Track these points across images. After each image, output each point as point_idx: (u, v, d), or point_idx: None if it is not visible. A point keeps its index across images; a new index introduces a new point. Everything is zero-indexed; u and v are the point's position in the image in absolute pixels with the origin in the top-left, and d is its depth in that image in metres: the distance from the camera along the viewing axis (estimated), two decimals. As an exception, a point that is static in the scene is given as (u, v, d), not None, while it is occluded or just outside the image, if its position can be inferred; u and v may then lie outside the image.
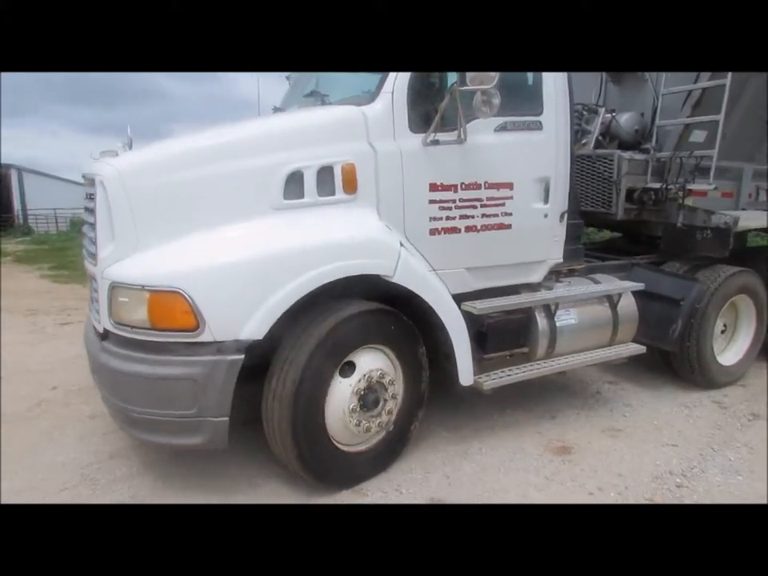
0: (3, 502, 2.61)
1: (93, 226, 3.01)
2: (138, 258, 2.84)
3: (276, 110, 4.25)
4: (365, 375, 3.16)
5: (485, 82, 2.90)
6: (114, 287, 2.85)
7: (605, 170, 4.84)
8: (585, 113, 5.24)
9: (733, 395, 4.81)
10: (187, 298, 2.71)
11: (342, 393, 3.10)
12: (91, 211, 3.05)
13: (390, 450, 3.45)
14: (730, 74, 4.22)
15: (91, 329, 3.33)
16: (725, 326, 5.09)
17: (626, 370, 5.11)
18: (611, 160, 4.79)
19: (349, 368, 3.14)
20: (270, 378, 3.03)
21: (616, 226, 6.07)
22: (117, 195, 2.83)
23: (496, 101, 3.04)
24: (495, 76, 2.88)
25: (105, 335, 3.05)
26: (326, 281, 2.93)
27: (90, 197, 3.09)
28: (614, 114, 5.16)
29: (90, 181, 3.09)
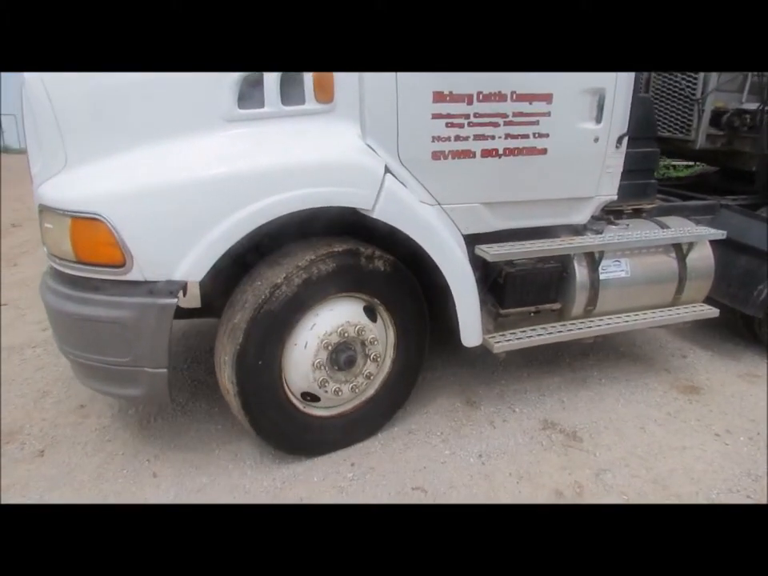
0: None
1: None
2: (65, 177, 2.38)
3: None
4: (333, 331, 2.63)
5: None
6: (41, 210, 2.44)
7: (687, 86, 3.83)
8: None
9: None
10: (110, 226, 2.23)
11: (304, 352, 2.59)
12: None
13: (371, 417, 2.95)
14: None
15: None
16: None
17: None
18: (696, 72, 3.77)
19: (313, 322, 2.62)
20: (219, 328, 2.57)
21: (701, 157, 4.98)
22: (38, 99, 2.34)
23: None
24: None
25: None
26: (281, 213, 2.35)
27: None
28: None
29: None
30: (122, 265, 2.29)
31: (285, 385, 2.62)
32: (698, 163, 5.89)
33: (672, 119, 3.98)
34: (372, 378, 2.83)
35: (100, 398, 3.29)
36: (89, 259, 2.34)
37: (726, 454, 2.95)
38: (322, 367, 2.62)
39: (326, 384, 2.66)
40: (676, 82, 3.91)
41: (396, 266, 2.72)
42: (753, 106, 3.76)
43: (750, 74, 3.79)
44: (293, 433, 2.70)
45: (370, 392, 2.88)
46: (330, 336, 2.61)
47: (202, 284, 2.56)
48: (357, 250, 2.61)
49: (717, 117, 3.84)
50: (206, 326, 3.97)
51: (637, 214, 3.68)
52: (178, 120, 2.39)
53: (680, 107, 3.93)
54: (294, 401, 2.67)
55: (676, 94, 3.93)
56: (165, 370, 2.42)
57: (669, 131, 4.00)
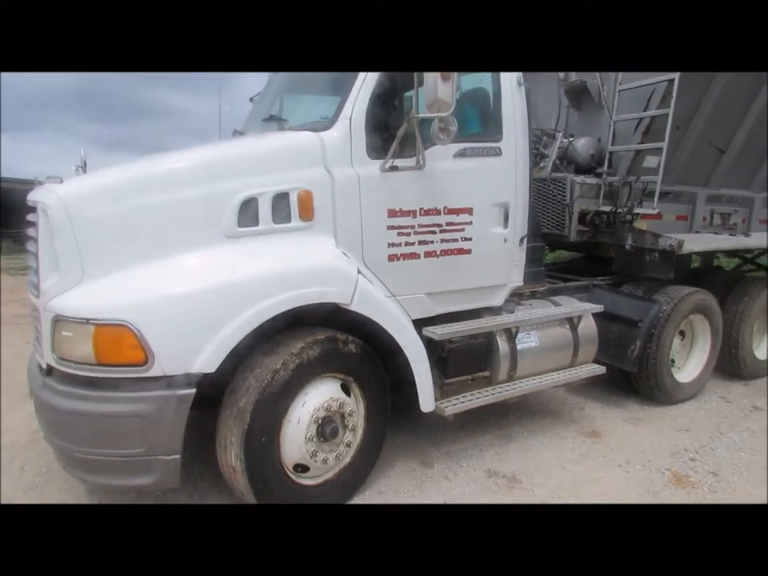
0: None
1: (35, 255, 2.87)
2: (84, 290, 2.70)
3: (236, 133, 4.17)
4: (321, 406, 3.07)
5: (442, 110, 2.88)
6: (58, 320, 2.71)
7: (558, 194, 4.93)
8: (543, 137, 5.33)
9: (736, 392, 5.52)
10: (135, 331, 2.59)
11: (297, 427, 3.00)
12: (33, 240, 2.90)
13: (350, 481, 3.36)
14: (673, 102, 4.34)
15: (35, 364, 3.16)
16: (681, 344, 5.19)
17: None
18: (564, 184, 4.89)
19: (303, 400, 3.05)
20: (222, 412, 2.92)
21: (574, 248, 6.17)
22: (60, 225, 2.69)
23: (453, 128, 3.02)
24: (452, 104, 2.86)
25: (48, 371, 2.89)
26: (280, 311, 2.85)
27: (31, 224, 2.94)
28: (570, 140, 5.26)
29: (32, 208, 2.94)
30: (144, 363, 2.62)
31: (281, 458, 2.99)
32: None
33: (551, 219, 5.03)
34: (350, 445, 3.28)
35: (69, 500, 3.35)
36: (111, 361, 2.64)
37: (629, 478, 3.77)
38: (313, 439, 3.04)
39: (317, 454, 3.07)
40: (550, 190, 4.99)
41: (364, 348, 3.26)
42: (608, 208, 4.90)
43: (602, 183, 4.95)
44: (289, 502, 3.03)
45: (348, 459, 3.31)
46: (318, 411, 3.06)
47: None
48: (335, 336, 3.13)
49: (583, 217, 4.95)
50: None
51: (533, 295, 4.56)
52: (187, 237, 2.84)
53: (555, 209, 4.99)
54: (289, 473, 3.04)
55: (552, 200, 5.00)
56: (178, 456, 2.72)
57: (548, 228, 5.03)
